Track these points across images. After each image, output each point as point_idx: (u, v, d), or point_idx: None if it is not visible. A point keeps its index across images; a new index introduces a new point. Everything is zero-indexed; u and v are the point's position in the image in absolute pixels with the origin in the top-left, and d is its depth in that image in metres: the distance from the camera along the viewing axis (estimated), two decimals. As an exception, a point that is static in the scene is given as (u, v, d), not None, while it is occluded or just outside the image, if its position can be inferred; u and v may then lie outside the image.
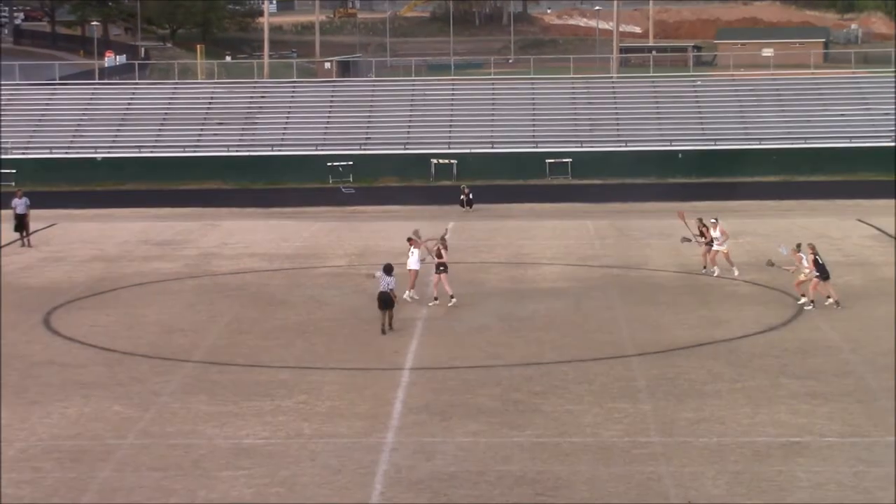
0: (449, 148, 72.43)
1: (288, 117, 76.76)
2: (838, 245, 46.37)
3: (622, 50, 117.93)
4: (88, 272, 43.34)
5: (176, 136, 74.62)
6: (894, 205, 54.54)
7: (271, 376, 29.09)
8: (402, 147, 73.22)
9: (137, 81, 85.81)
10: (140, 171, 70.94)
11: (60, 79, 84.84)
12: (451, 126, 75.29)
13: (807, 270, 35.69)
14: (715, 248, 40.78)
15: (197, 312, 36.55)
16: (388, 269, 33.23)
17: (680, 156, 71.19)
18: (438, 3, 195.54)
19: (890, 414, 25.45)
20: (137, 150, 73.11)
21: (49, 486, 22.11)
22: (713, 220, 40.98)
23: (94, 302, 38.39)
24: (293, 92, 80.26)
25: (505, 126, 74.91)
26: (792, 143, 71.69)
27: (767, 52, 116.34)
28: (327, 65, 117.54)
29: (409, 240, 37.52)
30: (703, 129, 74.02)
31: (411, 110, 77.27)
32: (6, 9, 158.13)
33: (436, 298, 36.65)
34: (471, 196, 59.56)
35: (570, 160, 70.90)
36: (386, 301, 33.00)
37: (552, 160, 70.88)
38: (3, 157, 70.67)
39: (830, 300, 35.67)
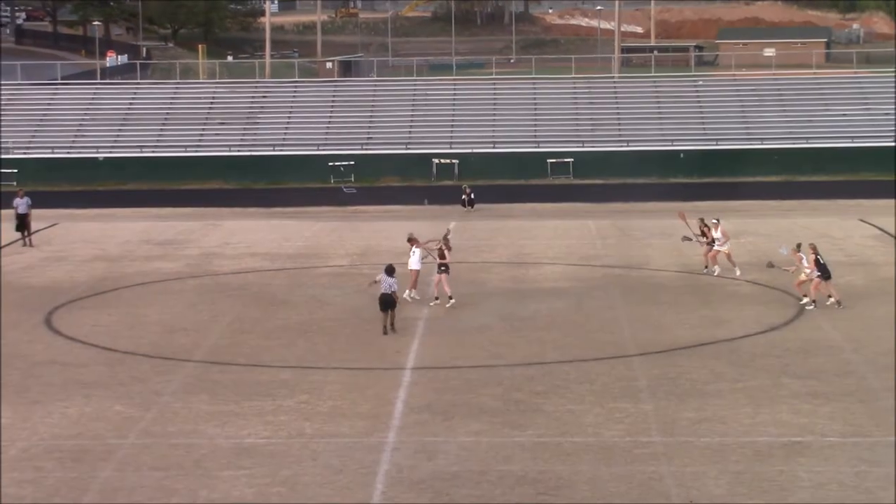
0: (450, 148, 72.40)
1: (289, 117, 76.75)
2: (840, 245, 46.35)
3: (624, 50, 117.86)
4: (90, 272, 43.34)
5: (177, 136, 74.62)
6: (895, 205, 54.52)
7: (273, 376, 29.08)
8: (404, 147, 73.21)
9: (139, 81, 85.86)
10: (142, 171, 70.93)
11: (62, 79, 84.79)
12: (452, 126, 75.27)
13: (807, 270, 35.66)
14: (716, 248, 40.79)
15: (198, 312, 36.55)
16: (389, 270, 33.18)
17: (681, 156, 71.14)
18: (440, 3, 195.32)
19: (891, 414, 25.42)
20: (139, 149, 73.12)
21: (50, 485, 22.11)
22: (714, 221, 40.96)
23: (96, 301, 38.40)
24: (295, 92, 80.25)
25: (506, 126, 74.88)
26: (794, 143, 71.66)
27: (769, 51, 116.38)
28: (329, 65, 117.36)
29: (410, 240, 37.52)
30: (704, 129, 73.98)
31: (413, 110, 77.24)
32: (8, 9, 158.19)
33: (436, 298, 36.68)
34: (472, 196, 59.55)
35: (572, 160, 70.85)
36: (387, 302, 32.98)
37: (554, 160, 70.84)
38: (5, 156, 70.69)
39: (832, 300, 35.65)
